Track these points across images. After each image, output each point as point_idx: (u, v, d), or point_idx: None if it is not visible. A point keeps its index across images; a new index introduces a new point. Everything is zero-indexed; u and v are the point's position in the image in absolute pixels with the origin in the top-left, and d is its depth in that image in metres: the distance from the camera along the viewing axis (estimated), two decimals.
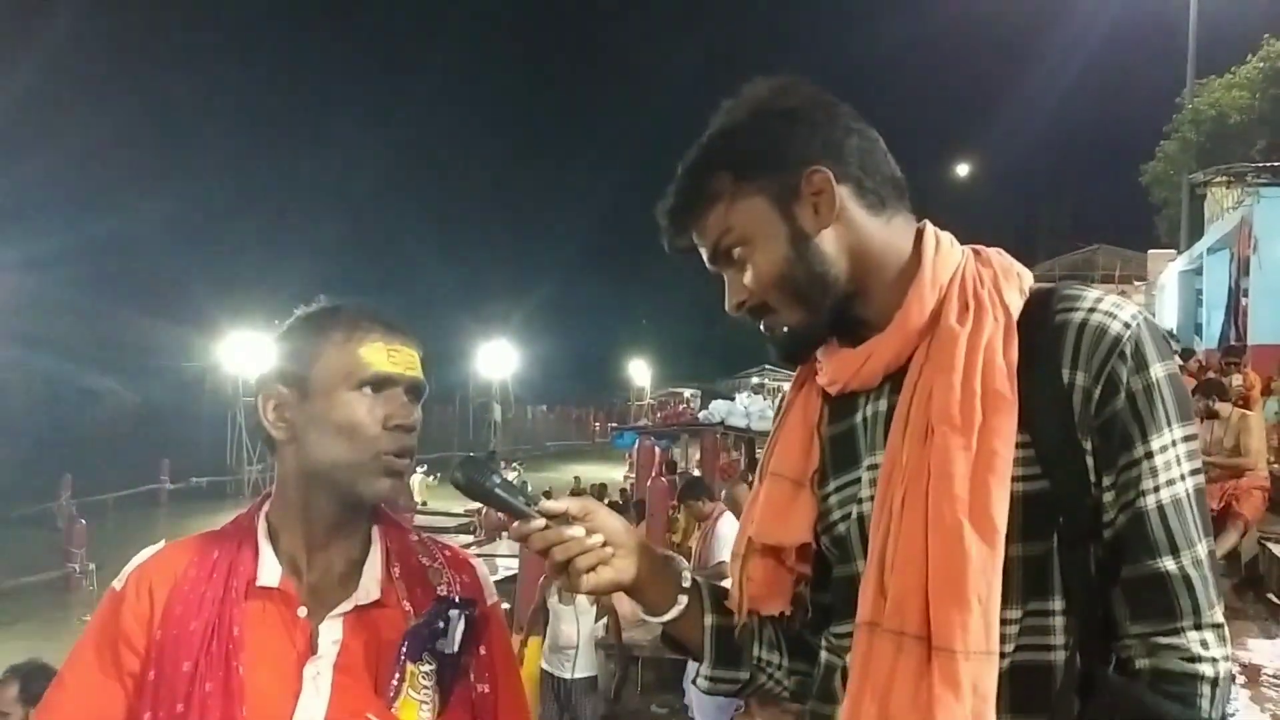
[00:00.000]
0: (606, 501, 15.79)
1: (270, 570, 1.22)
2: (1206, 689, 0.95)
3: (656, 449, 15.59)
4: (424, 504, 18.35)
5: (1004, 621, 0.97)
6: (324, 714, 1.16)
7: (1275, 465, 6.83)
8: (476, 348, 39.52)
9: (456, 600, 1.25)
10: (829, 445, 1.18)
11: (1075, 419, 0.99)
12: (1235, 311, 11.60)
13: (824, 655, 1.18)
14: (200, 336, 30.56)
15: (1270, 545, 6.68)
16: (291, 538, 1.25)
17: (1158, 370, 0.99)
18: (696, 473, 14.50)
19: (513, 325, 43.68)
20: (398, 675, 1.18)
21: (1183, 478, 0.98)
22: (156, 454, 25.73)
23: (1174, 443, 0.98)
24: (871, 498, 1.08)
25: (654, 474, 13.37)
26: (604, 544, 1.13)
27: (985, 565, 0.96)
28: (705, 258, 1.17)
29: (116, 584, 1.23)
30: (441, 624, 1.20)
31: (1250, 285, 10.80)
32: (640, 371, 52.65)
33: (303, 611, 1.20)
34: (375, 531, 1.31)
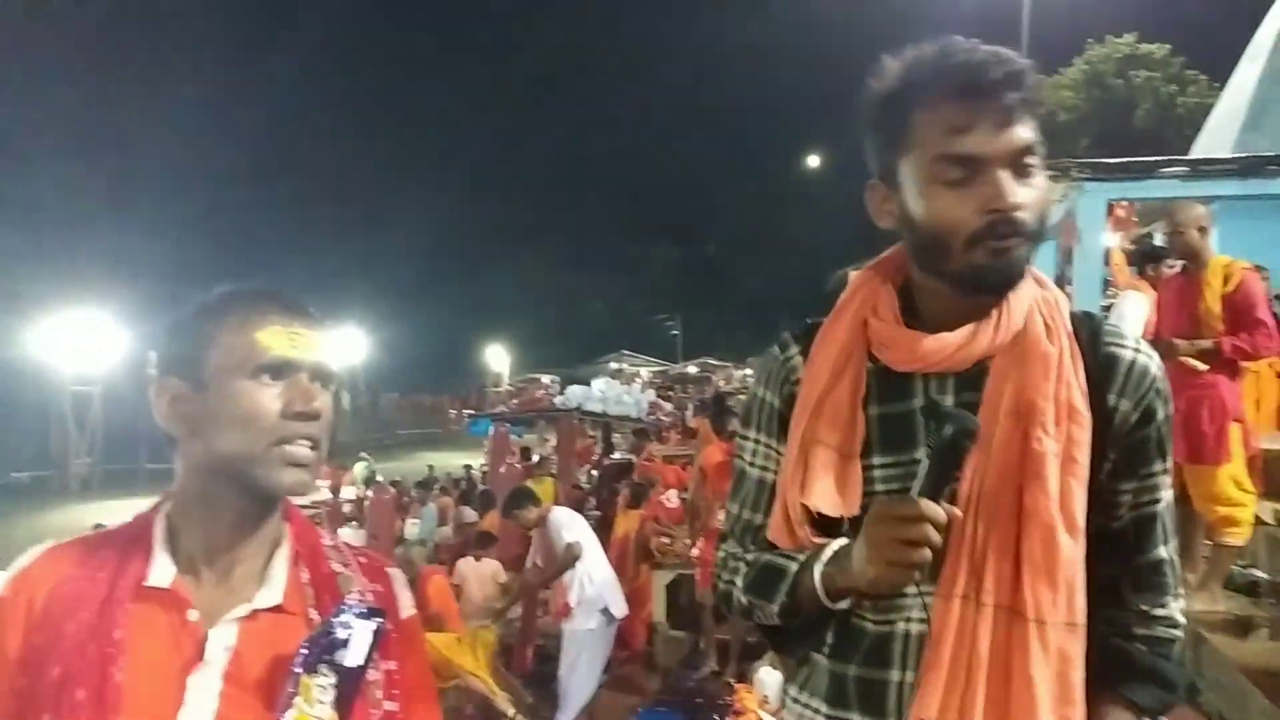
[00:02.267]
0: (439, 487, 15.49)
1: (162, 570, 1.12)
2: (1178, 645, 1.25)
3: (511, 436, 15.45)
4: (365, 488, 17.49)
5: None
6: None
7: None
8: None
9: (362, 609, 1.15)
10: (876, 422, 1.24)
11: (1111, 435, 1.20)
12: None
13: (864, 620, 1.25)
14: (23, 322, 28.51)
15: None
16: (191, 536, 1.16)
17: (1171, 406, 1.25)
18: (538, 458, 14.45)
19: (362, 309, 42.48)
20: (291, 688, 1.08)
21: (1169, 488, 1.26)
22: None
23: (1171, 458, 1.26)
24: None
25: (508, 461, 13.24)
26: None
27: (1073, 555, 1.15)
28: (1007, 143, 1.13)
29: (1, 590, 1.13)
30: (342, 634, 1.11)
31: (1074, 274, 11.45)
32: (498, 357, 52.18)
33: (194, 615, 1.11)
34: (286, 532, 1.22)
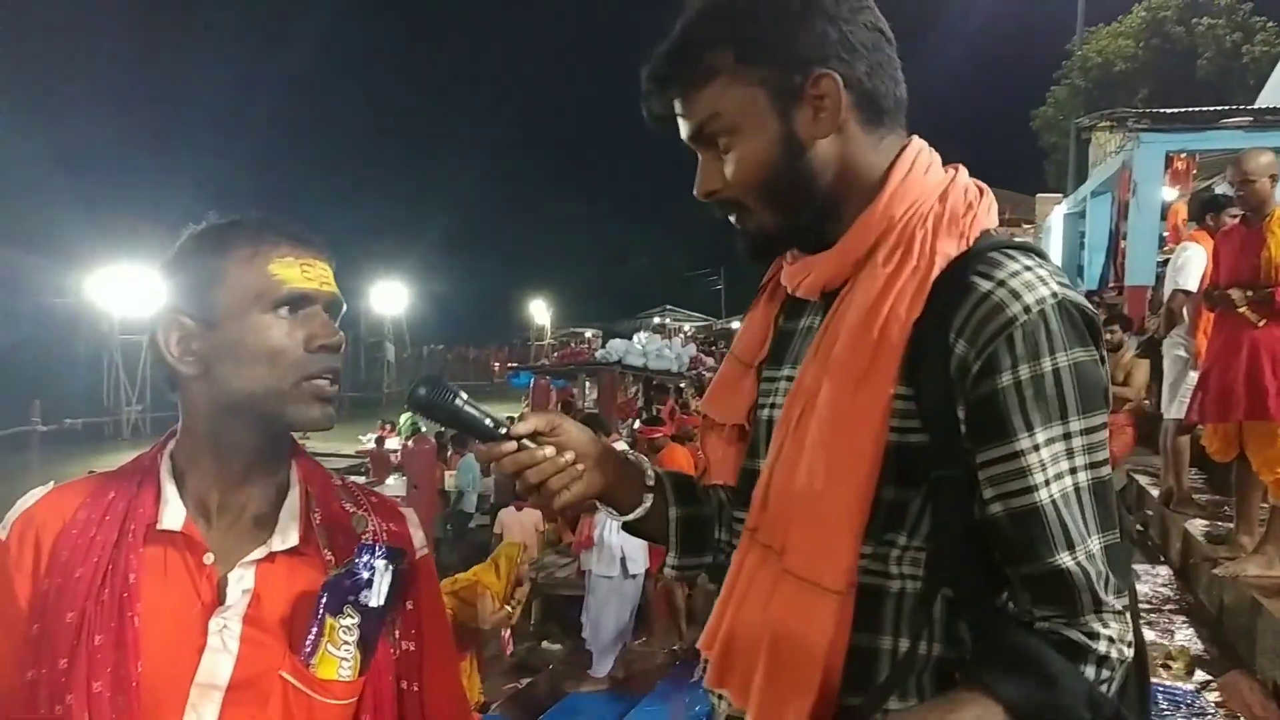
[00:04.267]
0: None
1: (174, 513, 1.10)
2: (1094, 660, 0.94)
3: (552, 388, 15.51)
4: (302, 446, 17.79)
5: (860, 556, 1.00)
6: (231, 670, 1.05)
7: (1146, 401, 7.10)
8: (369, 285, 38.60)
9: (383, 550, 1.13)
10: (776, 339, 1.20)
11: (956, 387, 0.97)
12: (1115, 254, 11.97)
13: (730, 551, 1.22)
14: (73, 270, 29.05)
15: (1137, 476, 6.97)
16: (200, 477, 1.13)
17: (1055, 361, 0.94)
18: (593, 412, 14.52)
19: (407, 262, 42.89)
20: (316, 629, 1.08)
21: (1073, 471, 0.94)
22: (27, 395, 24.48)
23: (1068, 435, 0.94)
24: (781, 406, 1.12)
25: None
26: (575, 460, 1.13)
27: (832, 512, 1.00)
28: (683, 133, 1.10)
29: (0, 532, 1.10)
30: (366, 575, 1.10)
31: (1128, 228, 11.14)
32: (541, 311, 52.39)
33: (209, 558, 1.09)
34: (295, 473, 1.19)
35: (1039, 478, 0.93)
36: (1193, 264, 5.39)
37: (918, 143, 1.08)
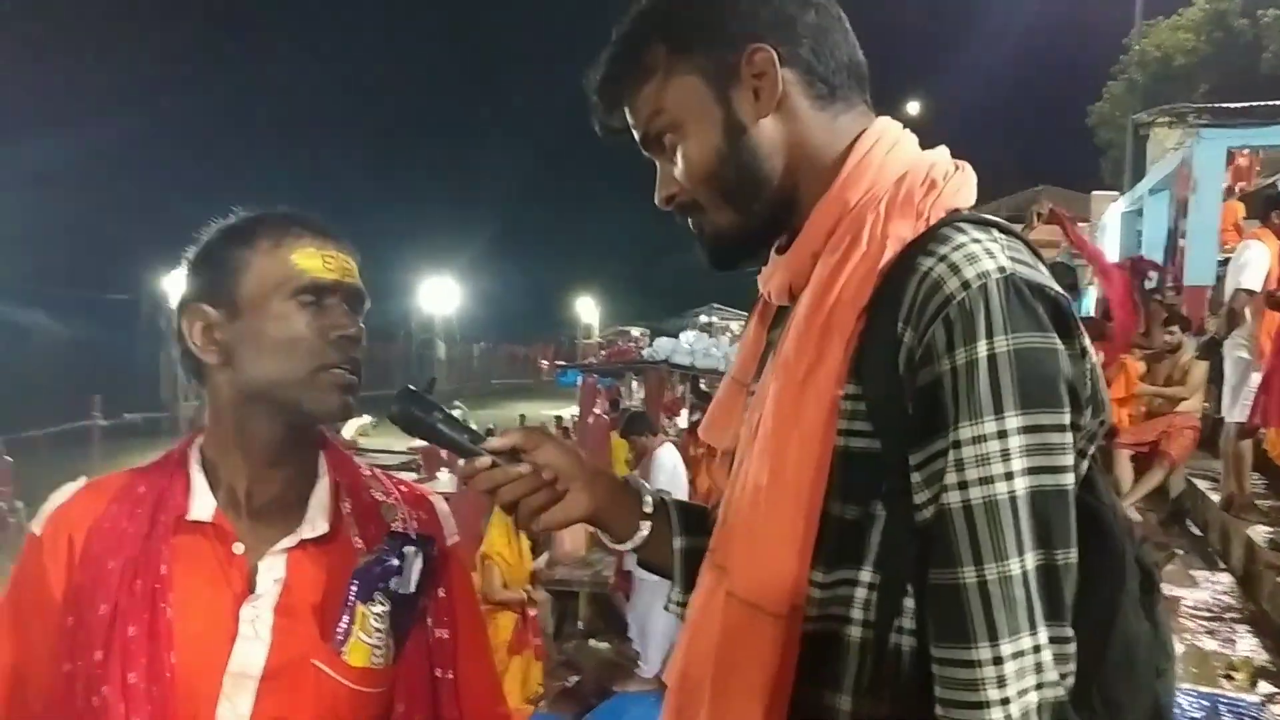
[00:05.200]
0: None
1: (203, 503, 1.12)
2: None
3: (599, 387, 15.56)
4: (355, 443, 18.03)
5: (811, 584, 0.90)
6: (264, 659, 1.06)
7: (1206, 405, 6.94)
8: (419, 283, 39.04)
9: (414, 537, 1.14)
10: (765, 352, 1.10)
11: (902, 380, 0.86)
12: (1173, 252, 11.72)
13: None
14: (132, 268, 29.81)
15: (1196, 481, 6.82)
16: (229, 468, 1.15)
17: (992, 345, 0.81)
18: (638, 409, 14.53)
19: (457, 260, 43.31)
20: (347, 617, 1.09)
21: (1008, 476, 0.80)
22: (88, 390, 25.11)
23: (1002, 434, 0.81)
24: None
25: (596, 411, 13.33)
26: (555, 479, 1.06)
27: (774, 528, 0.90)
28: (638, 140, 1.06)
29: (35, 527, 1.11)
30: (396, 562, 1.11)
31: (1187, 227, 10.90)
32: (589, 309, 52.55)
33: (239, 548, 1.11)
34: (323, 462, 1.20)
35: (952, 479, 0.82)
36: (1255, 263, 5.25)
37: (883, 122, 1.00)
